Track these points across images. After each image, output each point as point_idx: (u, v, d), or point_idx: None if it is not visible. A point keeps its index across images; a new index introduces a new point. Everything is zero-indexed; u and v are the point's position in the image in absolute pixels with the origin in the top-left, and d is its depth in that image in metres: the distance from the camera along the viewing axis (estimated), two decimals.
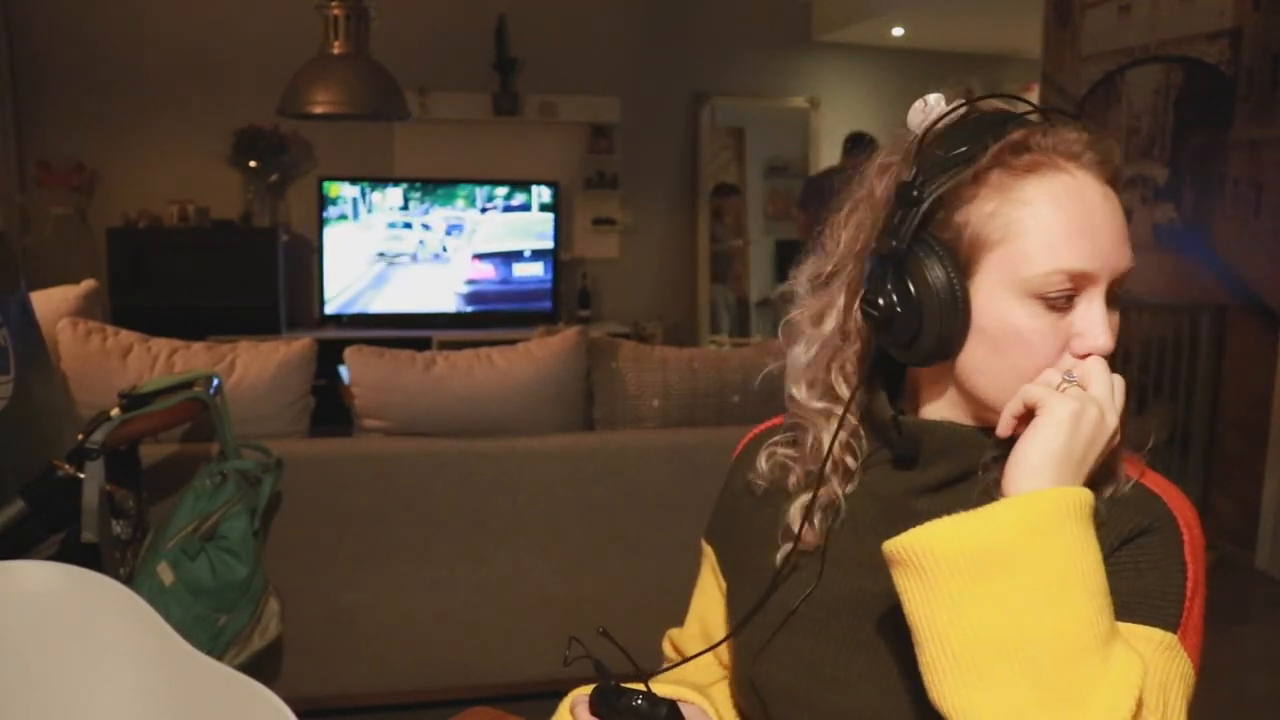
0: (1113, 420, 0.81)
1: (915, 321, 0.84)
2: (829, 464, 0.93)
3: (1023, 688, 0.72)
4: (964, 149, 0.83)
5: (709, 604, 1.08)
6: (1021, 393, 0.81)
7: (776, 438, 1.01)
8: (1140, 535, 0.84)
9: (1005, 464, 0.80)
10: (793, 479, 0.97)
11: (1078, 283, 0.83)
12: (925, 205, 0.83)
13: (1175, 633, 0.81)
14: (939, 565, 0.74)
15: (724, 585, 1.06)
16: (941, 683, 0.75)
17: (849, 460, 0.94)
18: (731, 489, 1.08)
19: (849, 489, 0.94)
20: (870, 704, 0.86)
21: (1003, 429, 0.83)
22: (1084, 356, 0.83)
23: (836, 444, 0.93)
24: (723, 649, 1.06)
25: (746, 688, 0.98)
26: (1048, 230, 0.82)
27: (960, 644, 0.74)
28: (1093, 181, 0.84)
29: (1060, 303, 0.83)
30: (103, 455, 1.86)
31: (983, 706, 0.73)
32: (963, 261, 0.84)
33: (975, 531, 0.74)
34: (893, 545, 0.77)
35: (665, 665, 1.12)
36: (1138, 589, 0.82)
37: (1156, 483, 0.88)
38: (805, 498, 0.94)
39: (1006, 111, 0.86)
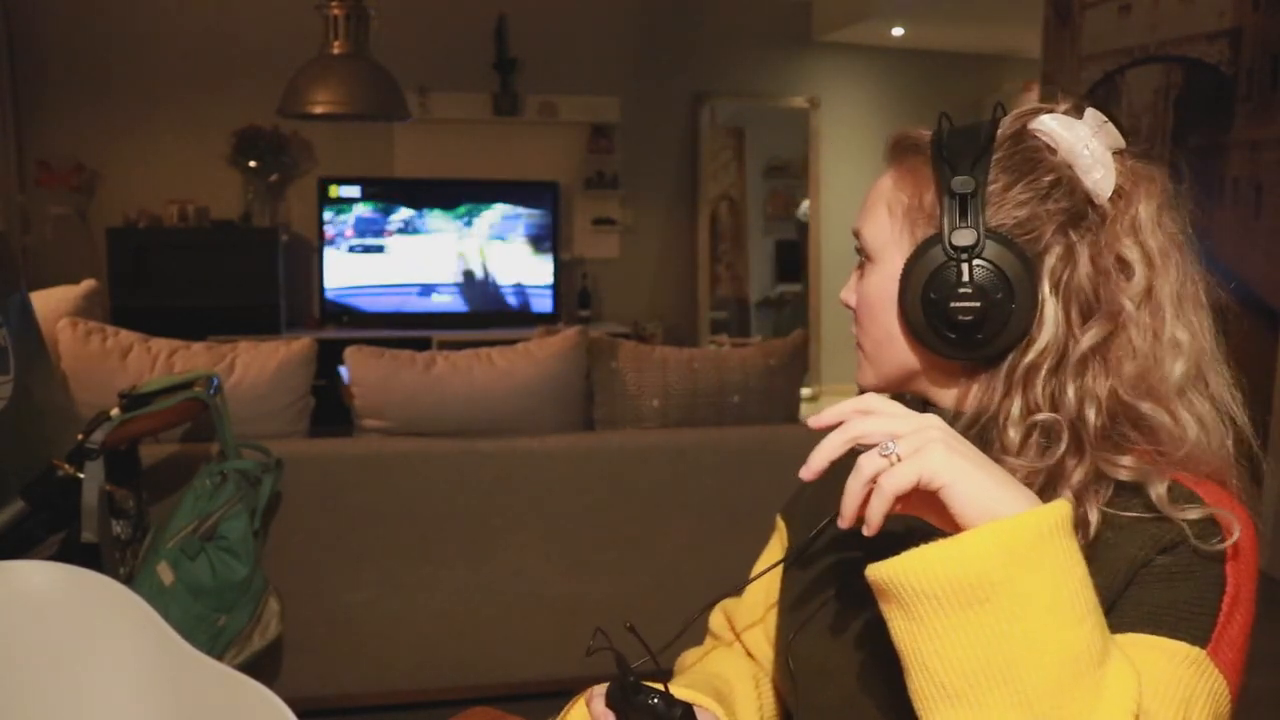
0: (935, 418, 0.77)
1: None
2: None
3: (1013, 718, 0.70)
4: None
5: (771, 574, 1.07)
6: (886, 488, 0.74)
7: None
8: (1179, 545, 0.81)
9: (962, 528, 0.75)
10: None
11: None
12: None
13: (1204, 648, 0.78)
14: (919, 598, 0.72)
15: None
16: (932, 711, 0.73)
17: None
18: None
19: None
20: (897, 689, 0.85)
21: (874, 529, 0.76)
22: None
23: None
24: (771, 617, 1.06)
25: (782, 661, 0.99)
26: None
27: (946, 674, 0.71)
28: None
29: None
30: (103, 455, 1.86)
31: None
32: None
33: (954, 563, 0.71)
34: (873, 574, 0.75)
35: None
36: (1168, 601, 0.80)
37: (1215, 497, 0.84)
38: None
39: None
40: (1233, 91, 4.10)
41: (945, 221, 0.86)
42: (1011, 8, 5.58)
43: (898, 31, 6.54)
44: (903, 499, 0.75)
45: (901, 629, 0.74)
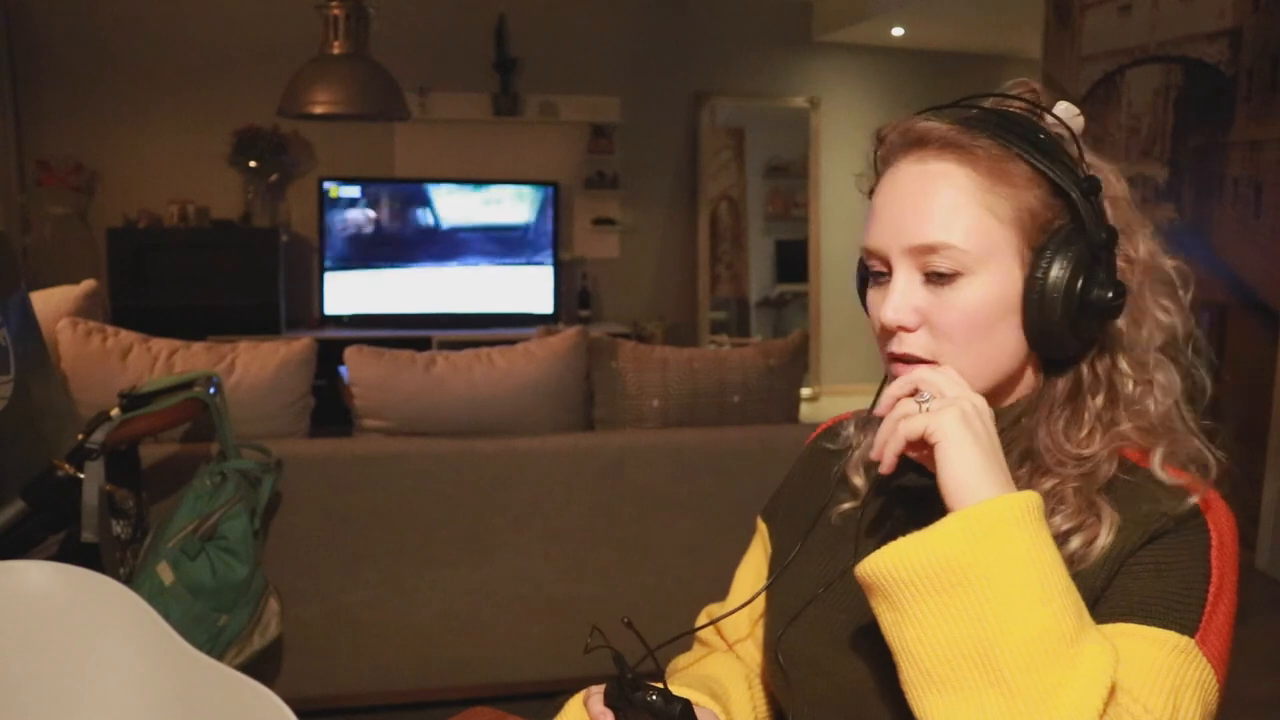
0: (981, 402, 0.82)
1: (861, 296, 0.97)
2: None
3: (993, 697, 0.73)
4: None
5: (756, 579, 1.09)
6: (900, 430, 0.82)
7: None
8: (1165, 535, 0.84)
9: (942, 492, 0.80)
10: (861, 436, 1.02)
11: (881, 259, 0.89)
12: (867, 193, 0.94)
13: (1193, 637, 0.81)
14: (899, 588, 0.77)
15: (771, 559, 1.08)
16: (920, 698, 0.76)
17: None
18: (798, 466, 1.11)
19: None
20: (888, 677, 0.86)
21: (887, 467, 0.84)
22: (882, 328, 0.89)
23: None
24: (759, 629, 1.07)
25: (772, 657, 1.00)
26: (867, 217, 0.92)
27: (930, 659, 0.76)
28: (911, 165, 0.88)
29: (878, 277, 0.91)
30: (103, 455, 1.86)
31: (958, 718, 0.74)
32: None
33: (927, 550, 0.76)
34: (860, 571, 0.80)
35: (690, 631, 1.12)
36: (1156, 591, 0.82)
37: (1196, 488, 0.87)
38: (865, 444, 1.00)
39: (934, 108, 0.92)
40: (1233, 91, 4.10)
41: (1086, 217, 0.86)
42: (1011, 8, 5.58)
43: (898, 31, 6.54)
44: (915, 449, 0.82)
45: (888, 620, 0.78)
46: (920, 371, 0.84)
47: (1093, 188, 0.86)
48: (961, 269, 0.86)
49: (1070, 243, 0.85)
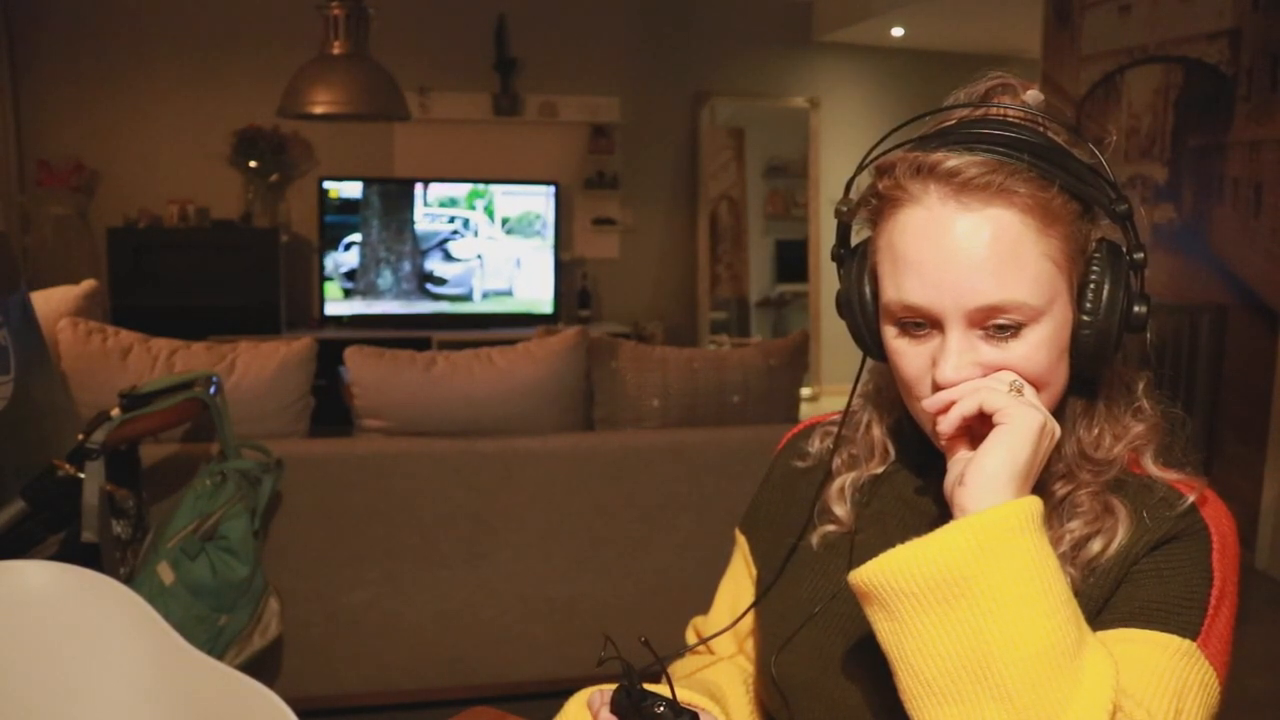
0: (1058, 430, 0.82)
1: (846, 320, 0.92)
2: (868, 447, 0.98)
3: (996, 712, 0.72)
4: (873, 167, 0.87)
5: (740, 592, 1.09)
6: (977, 394, 0.79)
7: (834, 418, 1.04)
8: (1169, 542, 0.84)
9: (954, 470, 0.80)
10: (838, 461, 1.00)
11: (924, 315, 0.83)
12: (845, 220, 0.89)
13: (1195, 640, 0.81)
14: (899, 598, 0.75)
15: (754, 573, 1.07)
16: (919, 710, 0.75)
17: (890, 448, 0.98)
18: (772, 480, 1.10)
19: (881, 471, 0.97)
20: (888, 701, 0.85)
21: (946, 426, 0.80)
22: (937, 385, 0.83)
23: (881, 430, 0.98)
24: (749, 644, 1.07)
25: (767, 680, 0.99)
26: (891, 262, 0.84)
27: (930, 671, 0.74)
28: (947, 211, 0.81)
29: (913, 329, 0.85)
30: (103, 455, 1.86)
31: None
32: (879, 275, 0.87)
33: (929, 560, 0.74)
34: (854, 579, 0.78)
35: (687, 648, 1.12)
36: (1158, 596, 0.82)
37: (1194, 490, 0.87)
38: (846, 477, 0.98)
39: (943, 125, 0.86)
40: (1233, 91, 4.10)
41: (1125, 241, 0.85)
42: (1011, 8, 5.58)
43: (898, 31, 6.55)
44: (974, 429, 0.80)
45: (885, 630, 0.77)
46: (1005, 373, 0.82)
47: (1130, 211, 0.83)
48: (1026, 320, 0.82)
49: (1112, 269, 0.83)
